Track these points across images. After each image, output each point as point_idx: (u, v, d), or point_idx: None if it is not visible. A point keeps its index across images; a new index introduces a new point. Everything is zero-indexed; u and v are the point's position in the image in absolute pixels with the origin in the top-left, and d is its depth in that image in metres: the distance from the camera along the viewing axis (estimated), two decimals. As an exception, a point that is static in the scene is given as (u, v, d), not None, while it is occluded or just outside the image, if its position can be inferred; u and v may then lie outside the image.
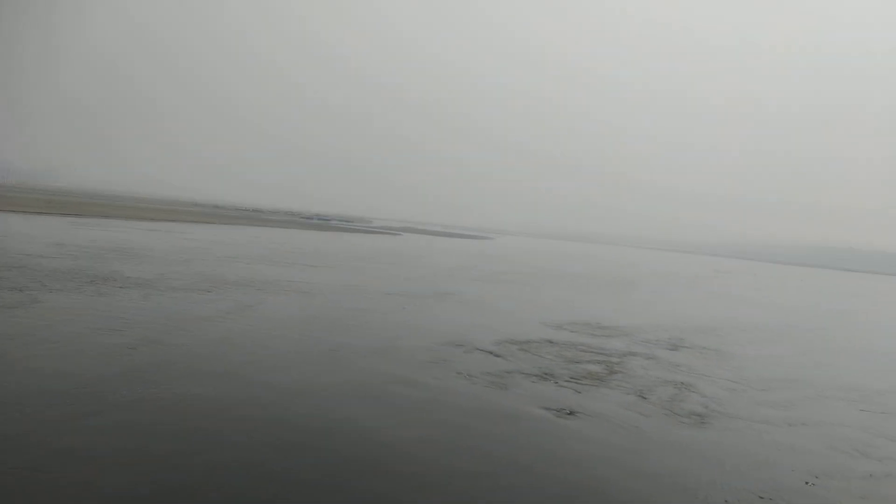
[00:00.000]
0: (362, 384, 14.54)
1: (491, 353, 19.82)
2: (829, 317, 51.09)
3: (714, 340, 28.50)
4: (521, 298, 38.01)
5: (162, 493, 8.53)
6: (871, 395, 20.08)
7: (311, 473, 9.51)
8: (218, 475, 9.16)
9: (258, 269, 36.02)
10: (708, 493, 10.44)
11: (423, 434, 11.69)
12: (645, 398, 16.22)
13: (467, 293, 36.70)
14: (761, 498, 10.42)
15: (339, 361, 16.49)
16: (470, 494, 9.46)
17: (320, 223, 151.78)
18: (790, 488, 11.04)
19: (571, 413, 14.08)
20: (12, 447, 9.40)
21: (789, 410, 16.79)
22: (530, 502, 9.44)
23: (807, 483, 11.37)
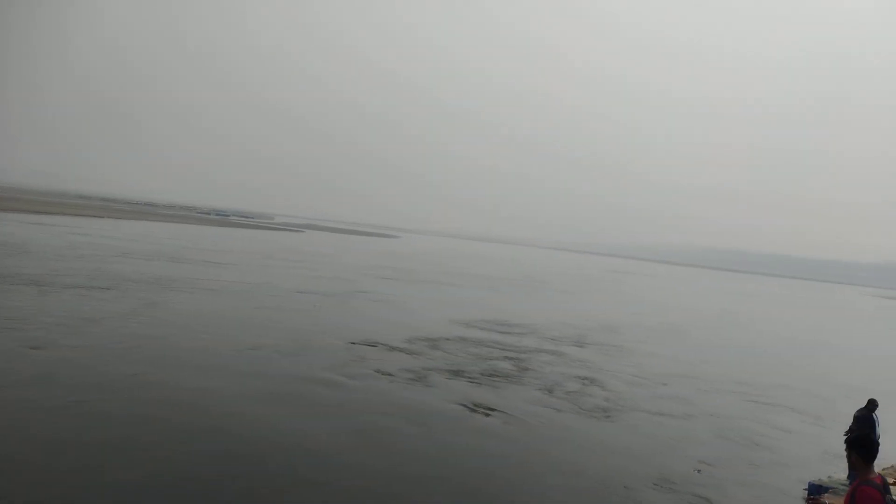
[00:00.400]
0: (285, 387, 14.39)
1: (406, 351, 20.07)
2: (716, 315, 54.44)
3: (616, 338, 29.93)
4: (431, 297, 38.46)
5: None
6: (759, 388, 21.73)
7: (245, 483, 9.28)
8: (133, 492, 8.88)
9: (159, 265, 34.70)
10: (608, 480, 11.10)
11: (352, 439, 11.70)
12: (554, 394, 16.92)
13: (378, 292, 36.78)
14: (655, 485, 11.18)
15: (258, 363, 16.23)
16: (402, 497, 9.67)
17: (219, 219, 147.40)
18: (681, 475, 11.88)
19: (488, 409, 14.52)
20: None
21: (685, 403, 17.96)
22: (457, 500, 9.76)
23: (696, 471, 12.25)
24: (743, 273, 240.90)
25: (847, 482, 11.22)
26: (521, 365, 20.20)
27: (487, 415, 14.12)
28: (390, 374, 16.70)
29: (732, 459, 13.36)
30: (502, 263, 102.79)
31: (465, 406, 14.56)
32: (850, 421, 12.13)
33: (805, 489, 11.52)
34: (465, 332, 25.71)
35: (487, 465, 11.16)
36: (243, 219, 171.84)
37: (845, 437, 11.35)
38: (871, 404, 11.74)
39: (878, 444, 10.89)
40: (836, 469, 12.66)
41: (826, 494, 10.99)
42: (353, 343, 20.22)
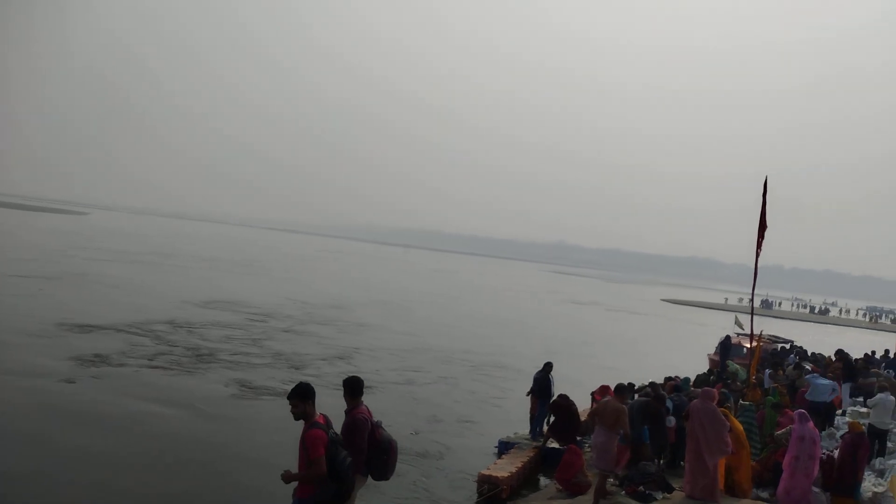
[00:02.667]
0: (31, 385, 13.40)
1: (150, 335, 19.84)
2: (430, 291, 58.81)
3: (348, 315, 31.63)
4: (157, 278, 36.66)
5: None
6: (482, 354, 24.76)
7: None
8: None
9: None
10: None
11: (114, 433, 11.56)
12: (305, 372, 17.92)
13: (100, 273, 34.29)
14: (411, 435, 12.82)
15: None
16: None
17: None
18: (401, 436, 13.22)
19: (247, 391, 15.15)
20: None
21: (424, 372, 20.19)
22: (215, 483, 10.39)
23: (412, 433, 13.42)
24: (440, 251, 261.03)
25: (528, 437, 12.76)
26: (266, 346, 20.91)
27: (247, 400, 14.60)
28: (147, 360, 16.54)
29: (451, 421, 15.03)
30: (214, 243, 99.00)
31: (225, 388, 15.04)
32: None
33: (496, 446, 12.73)
34: (202, 314, 25.50)
35: (244, 443, 11.74)
36: None
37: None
38: (547, 366, 12.92)
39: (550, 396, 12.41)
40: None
41: (513, 450, 12.10)
42: (98, 329, 19.50)
